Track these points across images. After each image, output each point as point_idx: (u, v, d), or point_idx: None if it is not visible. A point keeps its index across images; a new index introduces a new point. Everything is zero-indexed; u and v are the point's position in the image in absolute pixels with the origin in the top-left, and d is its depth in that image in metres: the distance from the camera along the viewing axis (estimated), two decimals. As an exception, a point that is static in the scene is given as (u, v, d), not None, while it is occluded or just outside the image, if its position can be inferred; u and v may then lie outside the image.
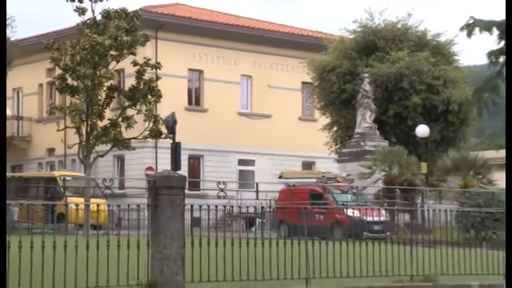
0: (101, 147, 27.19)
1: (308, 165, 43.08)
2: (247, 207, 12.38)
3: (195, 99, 41.43)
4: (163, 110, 30.04)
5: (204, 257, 10.58)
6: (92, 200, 22.27)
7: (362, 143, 34.49)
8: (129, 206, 11.68)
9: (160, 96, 27.50)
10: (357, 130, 35.06)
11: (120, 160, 39.78)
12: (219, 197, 11.65)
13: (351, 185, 30.16)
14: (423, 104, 35.69)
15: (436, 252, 13.24)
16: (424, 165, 32.33)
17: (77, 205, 11.65)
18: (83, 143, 26.57)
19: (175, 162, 29.46)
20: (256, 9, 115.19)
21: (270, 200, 23.06)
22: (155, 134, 27.89)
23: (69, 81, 26.80)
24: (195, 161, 40.50)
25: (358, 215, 18.53)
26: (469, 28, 33.81)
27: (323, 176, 32.57)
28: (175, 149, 29.89)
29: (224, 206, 11.68)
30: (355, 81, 36.27)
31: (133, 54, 26.81)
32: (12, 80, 39.60)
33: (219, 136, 40.28)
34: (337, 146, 38.27)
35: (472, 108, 35.52)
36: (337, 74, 37.28)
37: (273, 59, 43.24)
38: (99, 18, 26.59)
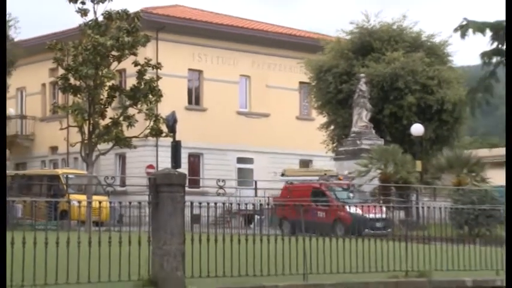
0: (102, 146, 27.18)
1: (305, 163, 43.07)
2: (246, 204, 12.37)
3: (194, 98, 41.41)
4: (163, 109, 30.02)
5: (204, 253, 10.58)
6: (94, 197, 22.12)
7: (358, 142, 34.48)
8: (130, 203, 11.70)
9: (161, 95, 27.51)
10: (353, 129, 35.05)
11: (122, 158, 39.77)
12: (218, 195, 11.65)
13: (352, 183, 30.14)
14: (418, 104, 35.69)
15: (430, 248, 13.24)
16: (418, 163, 32.34)
17: (79, 202, 11.69)
18: (85, 141, 26.57)
19: (176, 160, 29.45)
20: (255, 10, 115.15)
21: (268, 197, 23.09)
22: (156, 133, 27.90)
23: (72, 81, 26.79)
24: (195, 159, 40.48)
25: (360, 212, 18.55)
26: (463, 29, 33.80)
27: (325, 174, 32.54)
28: (176, 148, 29.87)
29: (223, 203, 11.68)
30: (352, 81, 36.26)
31: (135, 54, 26.81)
32: (16, 79, 39.60)
33: (218, 135, 40.27)
34: (334, 145, 38.27)
35: (466, 108, 35.50)
36: (334, 74, 37.28)
37: (271, 59, 43.23)
38: (101, 19, 26.58)
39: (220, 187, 11.36)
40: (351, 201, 25.43)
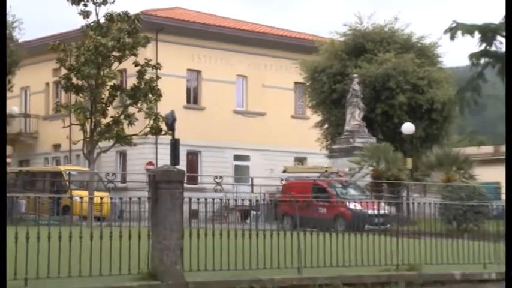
0: (104, 143, 27.13)
1: (300, 161, 43.05)
2: (243, 200, 12.36)
3: (193, 98, 41.36)
4: (163, 108, 29.97)
5: (202, 247, 10.57)
6: (96, 193, 22.16)
7: (351, 140, 34.50)
8: (130, 199, 11.67)
9: (160, 95, 27.47)
10: (346, 127, 35.07)
11: (122, 155, 39.72)
12: (215, 191, 11.65)
13: (351, 180, 30.09)
14: (409, 103, 35.70)
15: (420, 242, 13.25)
16: (409, 160, 32.35)
17: (81, 198, 11.65)
18: (87, 139, 26.53)
19: (175, 158, 29.44)
20: (252, 13, 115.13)
21: (264, 193, 23.09)
22: (155, 131, 27.86)
23: (74, 80, 26.74)
24: (193, 157, 40.45)
25: (360, 208, 18.49)
26: (452, 31, 33.81)
27: (326, 171, 32.50)
28: (175, 145, 29.86)
29: (221, 199, 11.67)
30: (345, 81, 36.26)
31: (135, 55, 26.77)
32: (20, 79, 39.50)
33: (216, 133, 40.24)
34: (328, 143, 38.26)
35: (455, 107, 35.50)
36: (328, 75, 37.27)
37: (267, 60, 43.20)
38: (102, 21, 26.53)
39: (218, 184, 11.34)
40: (352, 197, 25.30)
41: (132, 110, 27.38)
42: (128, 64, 27.45)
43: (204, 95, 41.31)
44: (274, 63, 43.40)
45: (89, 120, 26.39)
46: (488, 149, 50.33)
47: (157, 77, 28.01)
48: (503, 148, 48.17)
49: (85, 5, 26.43)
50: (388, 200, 19.78)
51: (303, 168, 36.34)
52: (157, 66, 28.02)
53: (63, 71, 27.56)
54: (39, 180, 31.31)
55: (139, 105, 27.26)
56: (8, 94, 36.67)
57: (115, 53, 26.36)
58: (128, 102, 27.42)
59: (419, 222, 15.35)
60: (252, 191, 24.18)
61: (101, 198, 11.21)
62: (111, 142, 27.30)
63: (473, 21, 21.53)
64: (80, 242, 9.78)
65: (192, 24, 40.94)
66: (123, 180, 34.18)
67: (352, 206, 20.46)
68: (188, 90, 41.18)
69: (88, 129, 26.47)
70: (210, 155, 40.48)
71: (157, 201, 10.15)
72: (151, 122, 27.46)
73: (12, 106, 41.86)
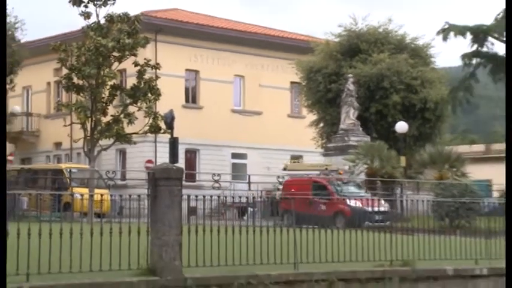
0: (104, 142, 27.12)
1: (296, 159, 43.04)
2: (240, 197, 12.33)
3: (191, 97, 41.33)
4: (162, 107, 29.96)
5: (200, 243, 10.56)
6: (96, 191, 22.14)
7: (346, 138, 34.51)
8: (130, 196, 11.67)
9: (160, 94, 27.48)
10: (341, 126, 35.07)
11: (122, 153, 39.68)
12: (213, 188, 11.64)
13: (351, 178, 30.05)
14: (402, 103, 35.71)
15: (413, 239, 13.26)
16: (403, 158, 32.38)
17: (82, 195, 11.66)
18: (88, 137, 26.52)
19: (173, 156, 29.42)
20: (249, 14, 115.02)
21: (261, 190, 23.04)
22: (155, 130, 27.87)
23: (75, 80, 26.72)
24: (191, 155, 40.43)
25: (360, 205, 18.45)
26: (445, 32, 33.96)
27: (326, 169, 32.46)
28: (173, 144, 29.84)
29: (218, 196, 11.64)
30: (340, 81, 36.27)
31: (135, 55, 26.77)
32: (22, 78, 39.41)
33: (213, 131, 40.22)
34: (323, 141, 38.27)
35: (447, 106, 35.66)
36: (323, 75, 37.27)
37: (264, 60, 43.18)
38: (103, 22, 26.53)
39: (216, 181, 11.34)
40: (351, 195, 25.21)
41: (131, 109, 27.38)
42: (128, 64, 27.43)
43: (202, 94, 41.29)
44: (271, 63, 43.38)
45: (90, 119, 26.38)
46: (479, 148, 50.39)
47: (157, 77, 28.02)
48: (494, 146, 48.28)
49: (86, 6, 26.43)
50: (382, 197, 19.77)
51: (303, 166, 36.29)
52: (156, 66, 28.02)
53: (65, 71, 27.54)
54: (40, 178, 31.25)
55: (138, 104, 27.26)
56: (10, 93, 36.69)
57: (115, 53, 26.36)
58: (128, 101, 27.41)
59: (413, 219, 15.36)
60: (249, 189, 24.12)
61: (101, 195, 11.20)
62: (111, 140, 27.29)
63: (465, 22, 21.56)
64: (80, 238, 9.76)
65: (191, 25, 40.91)
66: (123, 178, 34.15)
67: (352, 203, 20.39)
68: (187, 89, 41.15)
69: (89, 128, 26.46)
70: (208, 153, 40.47)
71: (157, 198, 10.13)
72: (151, 120, 27.46)
73: (15, 105, 41.81)
